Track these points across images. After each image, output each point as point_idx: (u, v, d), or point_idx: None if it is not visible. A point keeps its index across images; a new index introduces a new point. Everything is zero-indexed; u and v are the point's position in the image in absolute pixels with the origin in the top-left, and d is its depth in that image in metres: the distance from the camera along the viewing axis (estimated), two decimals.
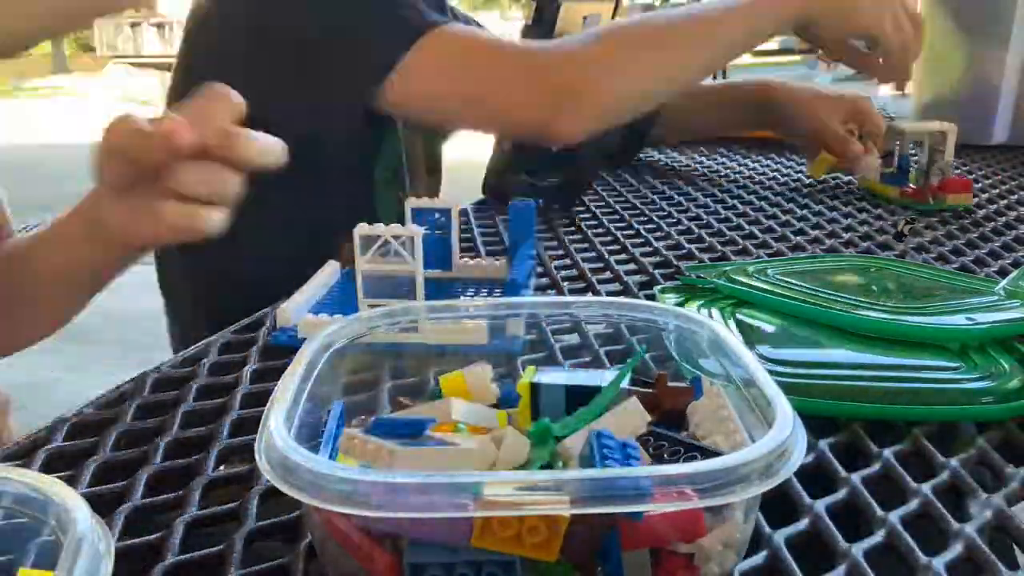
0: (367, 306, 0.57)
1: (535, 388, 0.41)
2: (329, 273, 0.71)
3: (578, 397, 0.40)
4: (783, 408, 0.33)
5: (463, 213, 0.93)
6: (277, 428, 0.32)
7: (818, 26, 0.91)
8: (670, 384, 0.42)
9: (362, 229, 0.56)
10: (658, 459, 0.36)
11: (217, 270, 0.93)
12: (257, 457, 0.32)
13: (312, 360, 0.39)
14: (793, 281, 0.66)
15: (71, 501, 0.29)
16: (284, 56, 0.86)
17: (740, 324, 0.60)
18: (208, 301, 0.97)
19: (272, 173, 0.76)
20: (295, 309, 0.63)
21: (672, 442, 0.37)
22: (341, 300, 0.68)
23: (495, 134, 0.90)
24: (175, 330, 1.05)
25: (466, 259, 0.73)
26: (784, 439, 0.31)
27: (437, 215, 0.70)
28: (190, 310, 1.00)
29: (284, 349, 0.60)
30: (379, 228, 0.56)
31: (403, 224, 0.67)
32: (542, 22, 0.96)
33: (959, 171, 1.15)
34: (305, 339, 0.56)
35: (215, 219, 0.55)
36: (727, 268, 0.71)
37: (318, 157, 0.85)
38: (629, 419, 0.38)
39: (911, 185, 0.98)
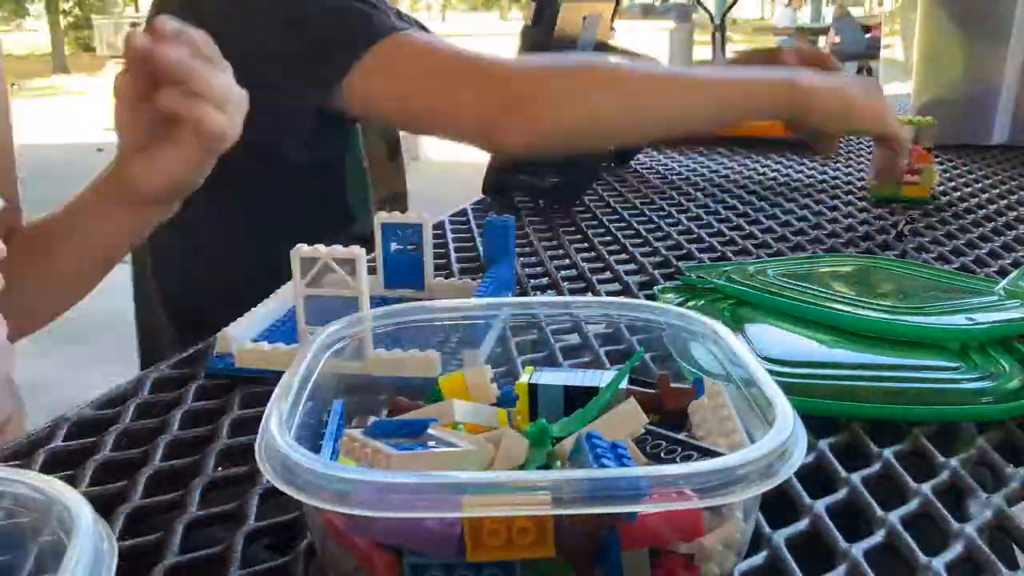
0: (308, 333, 0.52)
1: (533, 389, 0.41)
2: (283, 298, 0.65)
3: (576, 398, 0.40)
4: (783, 408, 0.33)
5: (439, 226, 0.92)
6: (277, 428, 0.32)
7: (816, 122, 0.89)
8: (672, 385, 0.42)
9: (301, 251, 0.53)
10: (655, 458, 0.36)
11: (185, 281, 0.94)
12: (257, 457, 0.32)
13: (313, 360, 0.39)
14: (793, 281, 0.66)
15: (74, 502, 0.29)
16: (243, 63, 0.87)
17: (740, 324, 0.60)
18: (178, 310, 0.97)
19: (231, 182, 0.77)
20: (238, 335, 0.58)
21: (670, 441, 0.37)
22: (293, 327, 0.59)
23: (444, 138, 0.91)
24: (145, 342, 1.06)
25: (440, 278, 0.68)
26: (784, 439, 0.31)
27: (408, 230, 0.66)
28: (162, 320, 1.00)
29: None
30: (319, 250, 0.52)
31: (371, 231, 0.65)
32: (542, 22, 0.96)
33: (947, 169, 1.15)
34: (239, 368, 0.55)
35: (223, 119, 0.61)
36: (727, 268, 0.71)
37: (277, 162, 0.86)
38: (626, 420, 0.37)
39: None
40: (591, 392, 0.40)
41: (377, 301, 0.64)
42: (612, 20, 1.18)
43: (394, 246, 0.66)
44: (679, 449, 0.36)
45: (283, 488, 0.30)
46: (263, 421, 0.33)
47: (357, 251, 0.52)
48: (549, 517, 0.30)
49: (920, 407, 0.49)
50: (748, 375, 0.37)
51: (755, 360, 0.38)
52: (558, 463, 0.36)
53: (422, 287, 0.67)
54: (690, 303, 0.65)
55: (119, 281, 0.71)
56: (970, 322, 0.57)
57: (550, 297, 0.70)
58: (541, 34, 0.97)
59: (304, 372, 0.38)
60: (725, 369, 0.40)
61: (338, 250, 0.52)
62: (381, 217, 0.66)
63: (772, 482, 0.30)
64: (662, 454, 0.36)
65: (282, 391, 0.36)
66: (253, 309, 0.61)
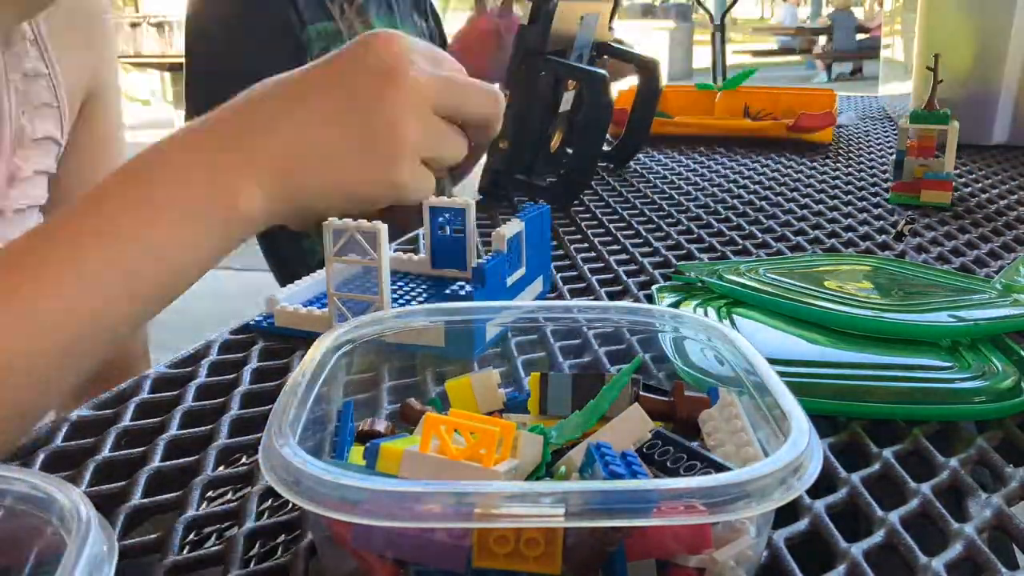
0: (336, 299, 0.58)
1: (544, 377, 0.42)
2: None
3: (584, 386, 0.41)
4: (799, 420, 0.32)
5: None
6: (282, 433, 0.32)
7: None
8: (687, 394, 0.42)
9: (333, 223, 0.57)
10: (662, 467, 0.36)
11: None
12: (260, 459, 0.31)
13: (321, 362, 0.39)
14: (783, 279, 0.66)
15: (74, 500, 0.29)
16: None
17: (733, 323, 0.60)
18: None
19: None
20: (285, 298, 0.63)
21: (678, 448, 0.36)
22: None
23: None
24: None
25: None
26: (799, 454, 0.30)
27: (453, 214, 0.69)
28: None
29: (285, 349, 0.60)
30: (348, 222, 0.57)
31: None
32: (539, 22, 0.96)
33: (958, 171, 1.15)
34: (273, 325, 0.62)
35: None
36: (719, 267, 0.71)
37: None
38: (632, 426, 0.37)
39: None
40: (598, 380, 0.41)
41: (423, 280, 0.70)
42: (611, 19, 1.17)
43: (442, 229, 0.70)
44: (684, 458, 0.36)
45: (285, 494, 0.30)
46: (268, 425, 0.33)
47: (380, 225, 0.56)
48: (560, 530, 0.30)
49: (914, 406, 0.49)
50: (760, 380, 0.36)
51: (767, 366, 0.37)
52: (572, 475, 0.35)
53: (465, 268, 0.70)
54: (686, 303, 0.65)
55: None
56: (954, 319, 0.57)
57: (550, 301, 0.70)
58: (537, 33, 0.96)
59: (311, 375, 0.38)
60: (737, 374, 0.39)
61: (363, 223, 0.56)
62: (430, 200, 0.68)
63: (785, 498, 0.29)
64: (669, 463, 0.36)
65: (288, 394, 0.35)
66: (304, 278, 0.66)
